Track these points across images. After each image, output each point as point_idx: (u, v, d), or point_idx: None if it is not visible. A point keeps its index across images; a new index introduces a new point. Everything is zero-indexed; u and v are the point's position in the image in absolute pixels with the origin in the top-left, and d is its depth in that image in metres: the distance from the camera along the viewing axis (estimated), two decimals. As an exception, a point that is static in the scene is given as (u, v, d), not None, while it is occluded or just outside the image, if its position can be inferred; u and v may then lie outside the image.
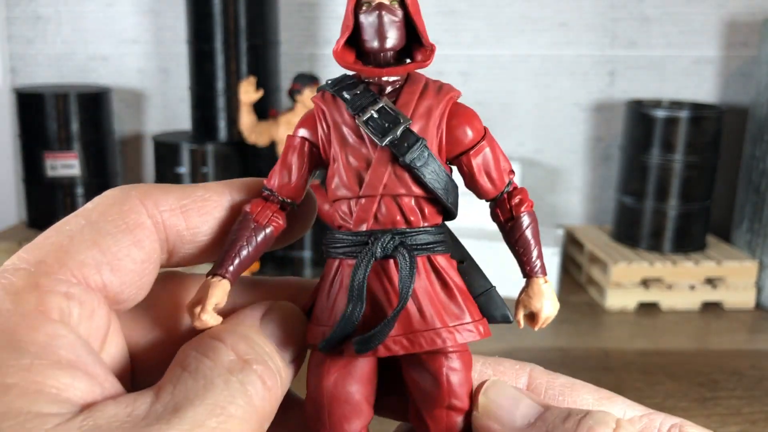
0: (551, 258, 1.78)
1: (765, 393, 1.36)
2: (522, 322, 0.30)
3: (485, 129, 0.29)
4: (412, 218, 0.28)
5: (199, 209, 0.28)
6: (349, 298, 0.27)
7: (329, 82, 0.29)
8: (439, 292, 0.28)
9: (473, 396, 0.28)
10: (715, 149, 1.87)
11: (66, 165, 1.91)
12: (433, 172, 0.28)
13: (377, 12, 0.27)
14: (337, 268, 0.29)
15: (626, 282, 1.79)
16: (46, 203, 1.94)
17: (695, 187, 1.86)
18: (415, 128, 0.28)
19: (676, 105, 1.95)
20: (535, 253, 0.30)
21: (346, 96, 0.28)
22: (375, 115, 0.28)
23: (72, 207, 1.95)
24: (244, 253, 0.29)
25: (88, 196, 1.96)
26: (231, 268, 0.29)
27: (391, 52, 0.28)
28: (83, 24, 2.10)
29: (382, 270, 0.28)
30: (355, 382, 0.28)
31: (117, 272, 0.25)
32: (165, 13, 2.10)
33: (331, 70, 2.13)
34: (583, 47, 2.12)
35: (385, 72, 0.28)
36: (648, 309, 1.80)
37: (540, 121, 2.16)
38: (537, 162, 2.18)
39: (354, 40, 0.28)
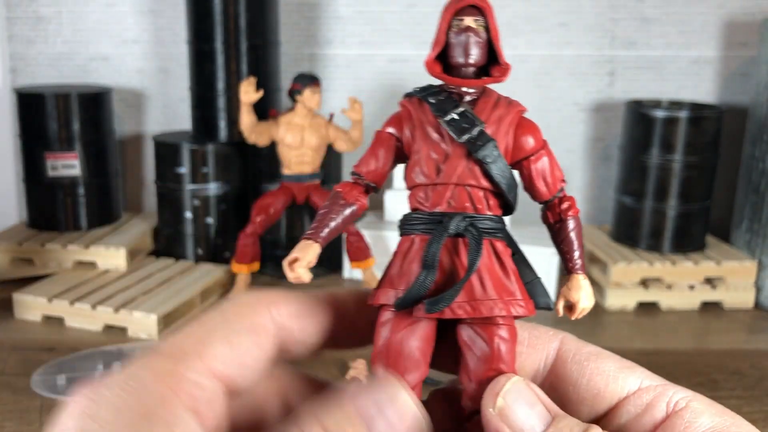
0: (551, 258, 1.79)
1: (765, 393, 1.37)
2: (561, 311, 0.35)
3: (545, 141, 0.36)
4: (479, 206, 0.33)
5: (311, 315, 0.34)
6: (423, 265, 0.32)
7: (417, 89, 0.35)
8: (497, 270, 0.33)
9: (491, 388, 0.32)
10: (714, 149, 1.87)
11: (67, 165, 1.92)
12: (499, 169, 0.34)
13: (466, 33, 0.33)
14: (410, 244, 0.34)
15: (626, 282, 1.79)
16: (46, 203, 1.94)
17: (695, 188, 1.86)
18: (488, 131, 0.34)
19: (675, 105, 1.96)
20: (577, 253, 0.35)
21: (432, 101, 0.34)
22: (456, 117, 0.33)
23: (73, 207, 1.95)
24: (333, 224, 0.35)
25: (89, 196, 1.96)
26: (322, 235, 0.35)
27: (473, 68, 0.34)
28: (84, 24, 2.11)
29: (453, 247, 0.33)
30: (416, 340, 0.32)
31: (239, 367, 0.31)
32: (165, 14, 2.10)
33: (332, 70, 2.14)
34: (582, 47, 2.12)
35: (467, 83, 0.34)
36: (647, 309, 1.80)
37: (539, 121, 2.13)
38: (537, 162, 2.18)
39: (441, 55, 0.34)
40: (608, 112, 2.16)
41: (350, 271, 1.92)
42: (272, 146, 1.80)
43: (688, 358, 1.50)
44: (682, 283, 1.81)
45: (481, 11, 0.34)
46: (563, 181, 0.36)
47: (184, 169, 1.88)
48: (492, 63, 0.35)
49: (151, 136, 2.06)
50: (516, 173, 0.36)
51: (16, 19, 2.10)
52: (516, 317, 0.33)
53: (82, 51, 2.13)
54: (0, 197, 2.20)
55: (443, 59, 0.34)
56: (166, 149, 1.89)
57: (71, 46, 2.12)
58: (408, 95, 0.35)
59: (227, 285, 1.83)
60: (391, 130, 0.35)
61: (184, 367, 0.29)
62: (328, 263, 1.98)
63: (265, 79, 1.91)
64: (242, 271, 1.77)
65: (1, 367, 1.39)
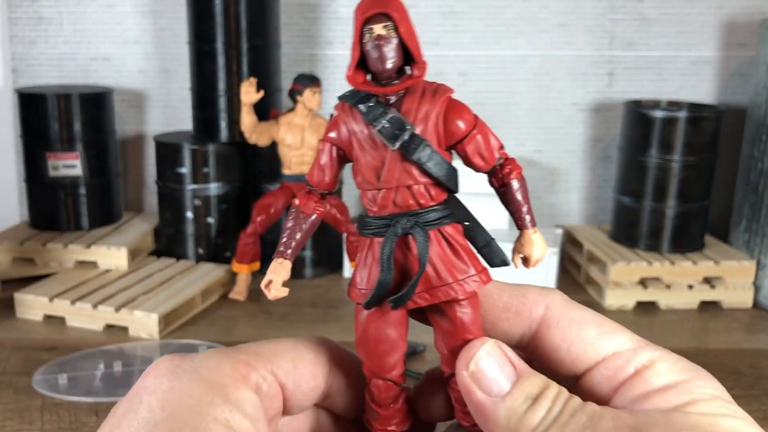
0: (551, 257, 1.79)
1: (764, 392, 1.37)
2: (519, 264, 0.38)
3: (475, 118, 0.37)
4: (422, 201, 0.36)
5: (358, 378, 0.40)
6: (380, 267, 0.35)
7: (347, 94, 0.37)
8: (448, 254, 0.36)
9: (465, 353, 0.36)
10: (713, 149, 1.88)
11: (68, 165, 1.92)
12: (436, 164, 0.36)
13: (376, 42, 0.35)
14: (369, 245, 0.37)
15: (625, 281, 1.80)
16: (48, 203, 1.95)
17: (693, 188, 1.87)
18: (418, 131, 0.35)
19: (674, 105, 1.96)
20: (524, 210, 0.38)
21: (362, 108, 0.36)
22: (386, 125, 0.35)
23: (74, 207, 1.96)
24: (298, 237, 0.38)
25: (90, 196, 1.97)
26: (290, 251, 0.38)
27: (391, 72, 0.36)
28: (85, 25, 2.11)
29: (404, 244, 0.36)
30: (390, 326, 0.37)
31: (294, 386, 0.36)
32: (166, 14, 2.11)
33: (332, 71, 2.14)
34: (582, 48, 2.13)
35: (387, 90, 0.36)
36: (646, 308, 1.81)
37: (539, 122, 2.17)
38: (536, 162, 2.19)
39: (363, 62, 0.36)
40: (607, 112, 2.16)
41: (350, 270, 1.93)
42: (272, 146, 1.81)
43: (686, 357, 1.50)
44: (680, 282, 1.82)
45: (388, 16, 0.35)
46: (501, 148, 0.38)
47: (185, 169, 1.88)
48: (411, 60, 0.36)
49: (152, 137, 2.06)
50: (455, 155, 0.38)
51: (18, 20, 2.10)
52: (474, 291, 0.36)
53: (84, 51, 2.13)
54: (1, 197, 2.21)
55: (366, 66, 0.36)
56: (167, 149, 1.90)
57: (72, 46, 2.13)
58: (340, 98, 0.38)
59: (228, 284, 1.83)
60: (330, 135, 0.38)
61: (255, 364, 0.34)
62: (329, 263, 1.98)
63: (266, 80, 1.91)
64: (243, 270, 1.78)
65: (3, 367, 1.40)
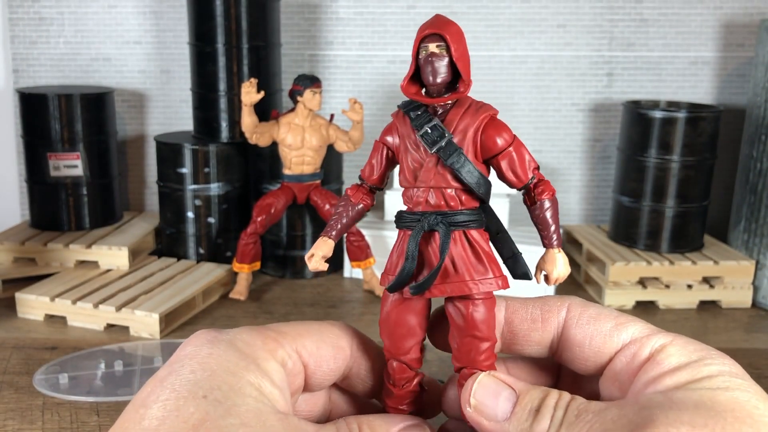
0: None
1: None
2: (540, 280, 0.42)
3: (514, 137, 0.42)
4: (452, 203, 0.40)
5: (378, 360, 0.44)
6: (405, 257, 0.40)
7: (403, 103, 0.42)
8: (469, 255, 0.40)
9: (464, 393, 0.39)
10: (712, 150, 1.88)
11: (69, 165, 1.93)
12: (468, 172, 0.40)
13: (429, 58, 0.39)
14: (401, 236, 0.42)
15: (624, 281, 1.81)
16: (49, 203, 1.95)
17: (692, 188, 1.87)
18: (456, 140, 0.40)
19: (673, 106, 1.97)
20: (552, 229, 0.42)
21: (412, 115, 0.41)
22: (429, 131, 0.40)
23: (75, 207, 1.96)
24: (344, 221, 0.44)
25: (91, 196, 1.98)
26: (334, 232, 0.43)
27: (441, 86, 0.40)
28: (86, 26, 2.12)
29: (430, 239, 0.40)
30: (410, 313, 0.41)
31: (315, 366, 0.39)
32: (167, 15, 2.12)
33: (332, 71, 2.15)
34: (581, 48, 2.13)
35: (434, 101, 0.40)
36: (646, 308, 1.82)
37: (538, 122, 2.18)
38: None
39: (417, 75, 0.41)
40: (606, 112, 2.17)
41: (351, 270, 1.94)
42: (273, 146, 1.81)
43: (685, 356, 1.51)
44: (680, 282, 1.82)
45: (442, 37, 0.39)
46: (536, 168, 0.42)
47: (186, 170, 1.89)
48: (459, 77, 0.41)
49: (152, 137, 2.07)
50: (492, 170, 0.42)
51: (18, 20, 2.11)
52: (488, 293, 0.40)
53: (84, 52, 2.14)
54: (2, 197, 2.22)
55: (419, 79, 0.41)
56: (168, 150, 1.90)
57: (73, 47, 2.13)
58: (398, 106, 0.42)
59: (229, 284, 1.84)
60: (383, 139, 0.42)
61: (282, 341, 0.38)
62: (329, 263, 1.98)
63: (267, 81, 1.92)
64: (243, 270, 1.79)
65: (4, 366, 1.40)
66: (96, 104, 1.95)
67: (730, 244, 1.99)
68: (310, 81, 1.73)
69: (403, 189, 0.42)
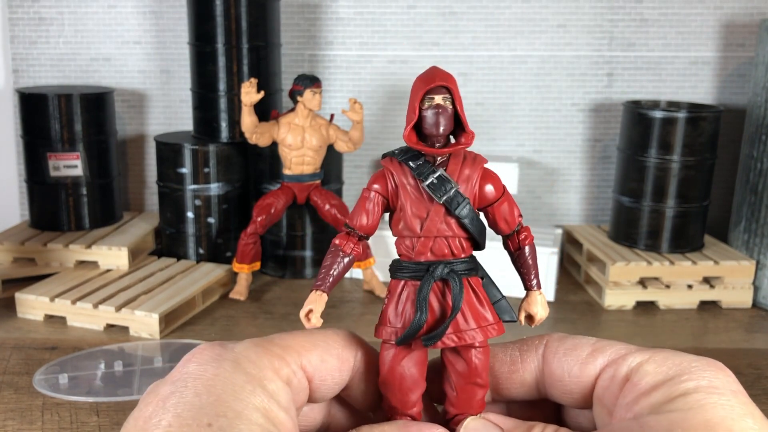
0: (550, 257, 1.80)
1: (763, 391, 1.37)
2: (523, 321, 0.44)
3: (504, 187, 0.43)
4: (455, 251, 0.41)
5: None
6: (416, 308, 0.39)
7: (397, 151, 0.42)
8: (474, 302, 0.40)
9: None
10: (712, 150, 1.88)
11: (69, 165, 1.93)
12: (473, 221, 0.41)
13: (436, 110, 0.40)
14: (403, 286, 0.41)
15: (624, 281, 1.81)
16: (49, 203, 1.95)
17: (693, 188, 1.87)
18: (461, 190, 0.41)
19: (673, 106, 1.97)
20: (533, 273, 0.43)
21: (412, 165, 0.41)
22: (435, 181, 0.40)
23: (75, 207, 1.96)
24: (336, 273, 0.43)
25: (91, 196, 1.98)
26: (327, 285, 0.42)
27: (444, 137, 0.41)
28: (86, 25, 2.12)
29: (438, 288, 0.40)
30: (414, 365, 0.40)
31: (320, 380, 0.39)
32: (167, 15, 2.12)
33: (332, 71, 2.15)
34: (581, 48, 2.13)
35: (439, 152, 0.41)
36: (646, 308, 1.81)
37: (539, 122, 2.18)
38: (536, 162, 2.19)
39: (417, 124, 0.41)
40: (607, 112, 2.17)
41: (351, 270, 1.93)
42: (273, 146, 1.81)
43: (685, 356, 1.51)
44: (680, 282, 1.82)
45: (448, 89, 0.40)
46: (520, 216, 0.43)
47: (186, 170, 1.89)
48: (459, 128, 0.41)
49: (152, 137, 2.07)
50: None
51: (18, 20, 2.11)
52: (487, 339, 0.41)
53: (84, 52, 2.14)
54: (2, 197, 2.22)
55: (416, 127, 0.41)
56: (168, 149, 1.90)
57: (73, 47, 2.13)
58: (388, 155, 0.42)
59: (228, 284, 1.84)
60: (376, 187, 0.42)
61: (287, 358, 0.37)
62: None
63: (266, 81, 1.92)
64: (243, 270, 1.79)
65: (3, 366, 1.40)
66: (96, 104, 1.95)
67: (730, 244, 1.99)
68: (310, 81, 1.73)
69: (398, 238, 0.42)
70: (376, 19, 2.12)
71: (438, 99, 0.40)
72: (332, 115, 1.83)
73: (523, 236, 0.43)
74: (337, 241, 0.43)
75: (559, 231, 2.00)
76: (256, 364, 0.35)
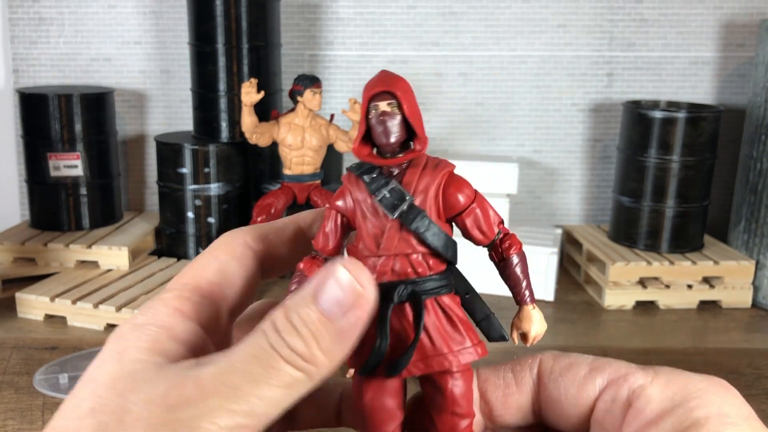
0: (550, 257, 1.80)
1: (763, 391, 1.37)
2: (516, 340, 0.39)
3: (475, 193, 0.38)
4: (420, 270, 0.37)
5: (278, 237, 0.40)
6: (376, 334, 0.35)
7: (353, 165, 0.39)
8: (445, 324, 0.36)
9: None
10: (712, 150, 1.88)
11: (69, 165, 1.93)
12: (434, 234, 0.36)
13: (380, 117, 0.36)
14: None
15: (624, 281, 1.81)
16: (49, 203, 1.95)
17: (692, 188, 1.87)
18: (417, 202, 0.37)
19: (673, 106, 1.97)
20: (523, 285, 0.38)
21: (366, 179, 0.37)
22: (387, 195, 0.36)
23: (75, 207, 1.96)
24: None
25: (91, 196, 1.98)
26: None
27: (394, 146, 0.37)
28: (86, 25, 2.12)
29: (401, 312, 0.36)
30: (387, 395, 0.37)
31: (229, 285, 0.36)
32: (167, 15, 2.12)
33: (332, 71, 2.15)
34: (581, 48, 2.13)
35: (389, 162, 0.37)
36: (646, 308, 1.81)
37: (538, 122, 2.18)
38: (536, 162, 2.19)
39: (368, 136, 0.38)
40: (606, 112, 2.17)
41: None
42: (273, 146, 1.81)
43: (686, 356, 1.51)
44: (680, 282, 1.82)
45: (393, 94, 0.36)
46: (501, 223, 0.39)
47: (186, 170, 1.89)
48: (414, 135, 0.38)
49: (153, 137, 2.07)
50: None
51: (18, 20, 2.11)
52: (467, 364, 0.37)
53: (84, 52, 2.14)
54: (2, 197, 2.22)
55: (371, 139, 0.38)
56: (168, 149, 1.90)
57: (73, 47, 2.13)
58: (348, 169, 0.39)
59: (228, 284, 1.84)
60: (338, 204, 0.39)
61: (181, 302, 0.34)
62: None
63: (267, 81, 1.92)
64: (243, 270, 1.78)
65: (4, 366, 1.40)
66: (96, 104, 1.95)
67: (730, 244, 1.99)
68: (310, 81, 1.73)
69: (361, 259, 0.38)
70: (376, 19, 2.12)
71: (382, 106, 0.36)
72: (332, 115, 1.83)
73: (506, 245, 0.38)
74: (301, 266, 0.39)
75: (559, 231, 2.00)
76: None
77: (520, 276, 0.38)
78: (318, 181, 1.83)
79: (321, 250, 0.39)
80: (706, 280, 1.85)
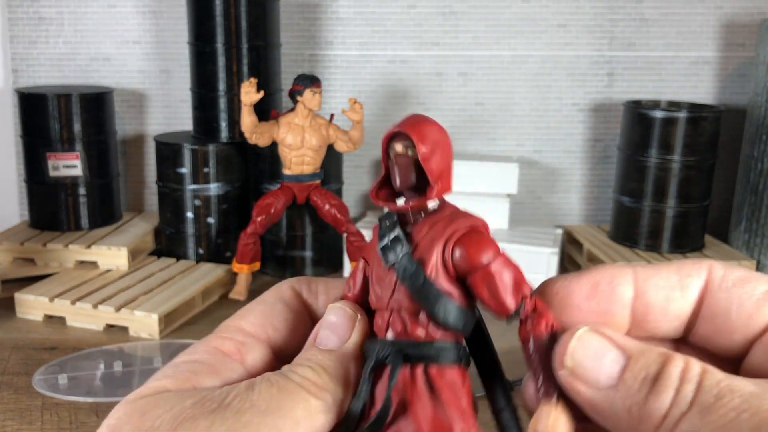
0: (550, 257, 1.80)
1: (762, 392, 1.37)
2: None
3: (497, 253, 0.31)
4: (418, 332, 0.31)
5: (326, 289, 0.38)
6: (354, 394, 0.32)
7: (386, 213, 0.35)
8: (426, 401, 0.31)
9: (559, 351, 0.30)
10: (713, 150, 1.88)
11: (68, 165, 1.93)
12: (422, 293, 0.31)
13: (395, 159, 0.33)
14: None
15: (624, 281, 1.80)
16: (48, 203, 1.95)
17: (693, 188, 1.87)
18: (418, 254, 0.32)
19: (674, 106, 1.96)
20: (540, 376, 0.31)
21: (382, 225, 0.34)
22: (389, 243, 0.33)
23: (74, 207, 1.96)
24: None
25: (91, 196, 1.97)
26: None
27: (409, 189, 0.33)
28: (85, 25, 2.12)
29: (382, 374, 0.32)
30: None
31: (273, 329, 0.36)
32: (166, 15, 2.11)
33: (332, 71, 2.15)
34: (581, 48, 2.13)
35: (392, 207, 0.34)
36: (646, 308, 1.81)
37: (539, 122, 2.18)
38: (536, 162, 2.19)
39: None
40: (607, 112, 2.17)
41: (351, 270, 1.93)
42: (273, 146, 1.81)
43: (686, 357, 1.50)
44: (680, 282, 1.82)
45: (408, 136, 0.33)
46: (524, 295, 0.32)
47: (186, 169, 1.89)
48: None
49: (152, 137, 2.07)
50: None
51: (18, 20, 2.11)
52: None
53: (84, 52, 2.13)
54: (2, 197, 2.21)
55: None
56: (168, 149, 1.90)
57: (73, 46, 2.13)
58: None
59: (228, 284, 1.84)
60: (363, 253, 0.35)
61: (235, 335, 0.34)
62: (329, 263, 1.99)
63: (266, 80, 1.91)
64: (243, 270, 1.78)
65: (3, 366, 1.40)
66: (95, 104, 1.95)
67: (731, 244, 1.99)
68: (310, 81, 1.73)
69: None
70: (376, 19, 2.12)
71: (398, 147, 0.33)
72: (332, 115, 1.82)
73: (530, 324, 0.31)
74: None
75: (559, 231, 2.00)
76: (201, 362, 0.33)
77: (538, 364, 0.31)
78: (318, 181, 1.83)
79: (343, 297, 0.35)
80: (707, 281, 1.85)
